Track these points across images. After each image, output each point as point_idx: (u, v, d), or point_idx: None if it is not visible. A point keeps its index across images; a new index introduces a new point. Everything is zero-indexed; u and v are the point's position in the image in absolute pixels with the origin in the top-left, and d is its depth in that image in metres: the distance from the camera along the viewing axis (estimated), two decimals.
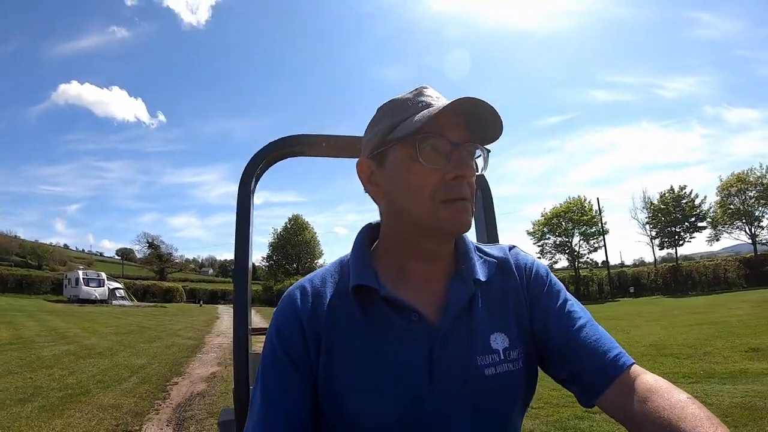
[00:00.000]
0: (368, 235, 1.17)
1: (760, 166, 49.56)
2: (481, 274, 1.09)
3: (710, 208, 52.53)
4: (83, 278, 46.28)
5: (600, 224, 54.45)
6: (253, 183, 2.00)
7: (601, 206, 55.30)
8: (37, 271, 72.15)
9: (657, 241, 54.94)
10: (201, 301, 63.87)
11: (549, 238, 56.97)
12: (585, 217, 55.68)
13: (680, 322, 17.27)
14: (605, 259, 53.62)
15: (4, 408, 7.15)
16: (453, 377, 0.98)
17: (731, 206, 50.48)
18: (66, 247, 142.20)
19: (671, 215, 52.48)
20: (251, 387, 1.49)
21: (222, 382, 9.87)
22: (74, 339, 15.79)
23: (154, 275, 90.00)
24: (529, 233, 58.29)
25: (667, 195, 53.43)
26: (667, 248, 54.98)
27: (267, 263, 75.21)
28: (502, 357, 1.03)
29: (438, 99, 1.05)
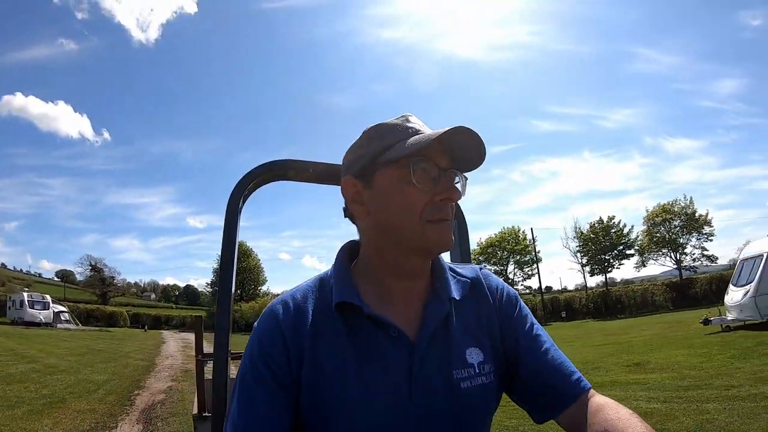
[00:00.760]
0: (349, 252, 1.18)
1: (684, 197, 53.50)
2: (456, 293, 1.12)
3: (637, 236, 56.23)
4: (28, 300, 45.53)
5: (534, 253, 57.20)
6: (240, 204, 1.99)
7: (534, 236, 58.27)
8: None
9: (588, 268, 58.01)
10: (145, 327, 63.71)
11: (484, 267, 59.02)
12: (518, 247, 58.93)
13: (590, 343, 19.37)
14: (539, 285, 55.97)
15: None
16: (432, 391, 1.02)
17: (657, 234, 53.86)
18: (3, 266, 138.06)
19: (601, 243, 55.89)
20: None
21: (178, 392, 11.36)
22: (34, 359, 16.69)
23: (96, 299, 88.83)
24: None
25: (596, 225, 56.86)
26: (597, 275, 58.20)
27: (211, 289, 75.48)
28: (477, 371, 1.08)
29: (423, 126, 1.09)
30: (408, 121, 1.10)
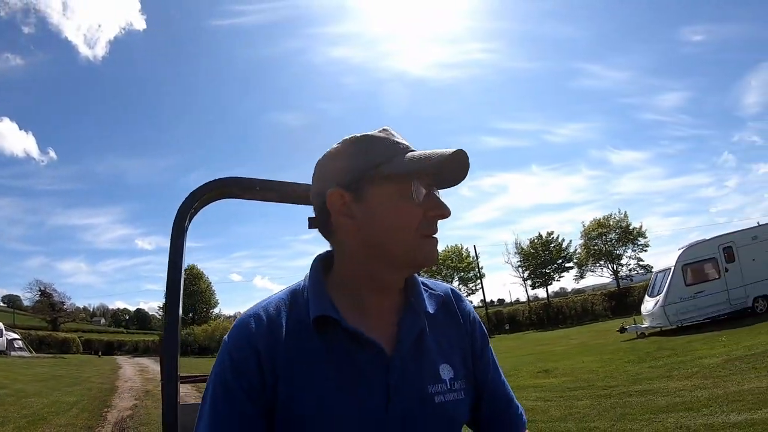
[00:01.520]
0: (322, 265, 1.15)
1: (619, 212, 57.03)
2: (430, 308, 1.13)
3: (575, 250, 59.53)
4: None
5: (477, 269, 59.51)
6: (187, 223, 1.93)
7: (477, 253, 60.50)
8: None
9: (529, 281, 60.74)
10: (99, 353, 63.38)
11: None
12: (462, 264, 61.36)
13: (519, 353, 21.37)
14: (483, 299, 57.93)
15: None
16: (408, 406, 1.02)
17: (595, 247, 56.81)
18: None
19: (541, 258, 58.72)
20: None
21: (143, 408, 12.89)
22: (2, 385, 17.47)
23: (47, 325, 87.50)
24: None
25: (536, 240, 59.73)
26: (539, 287, 61.16)
27: (162, 312, 74.54)
28: (449, 386, 1.09)
29: (405, 140, 1.12)
30: (392, 135, 1.10)
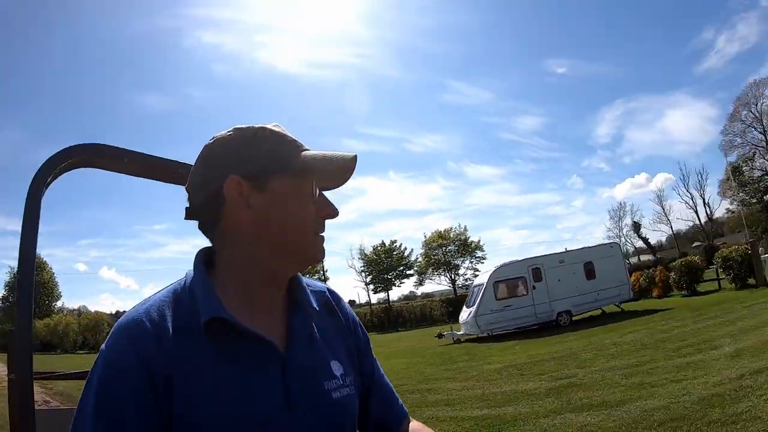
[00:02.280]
0: (205, 261, 1.08)
1: (459, 226, 61.18)
2: (315, 304, 1.13)
3: (417, 258, 62.75)
4: None
5: (321, 272, 61.01)
6: (42, 193, 1.73)
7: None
8: None
9: (372, 286, 62.93)
10: None
11: None
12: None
13: None
14: None
15: None
16: (308, 404, 1.01)
17: (435, 257, 60.34)
18: None
19: (383, 264, 61.17)
20: None
21: None
22: None
23: None
24: None
25: (379, 248, 62.22)
26: (381, 292, 63.52)
27: (2, 304, 69.61)
28: (341, 382, 1.09)
29: (295, 136, 1.11)
30: (285, 131, 1.11)
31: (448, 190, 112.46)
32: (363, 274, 62.71)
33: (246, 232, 1.05)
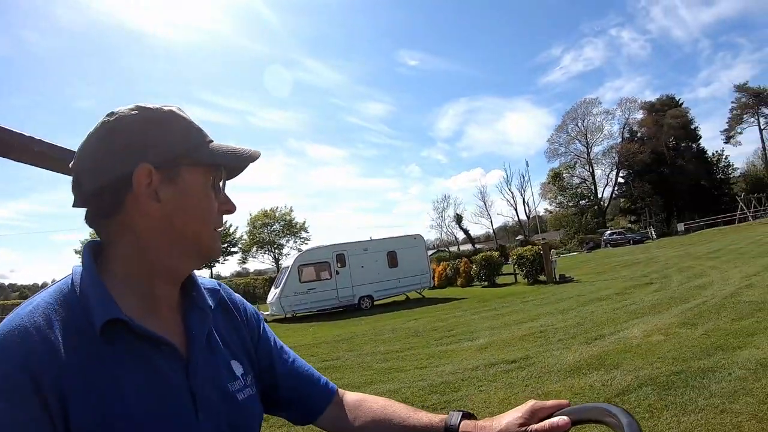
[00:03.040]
0: (94, 258, 0.96)
1: (285, 206, 61.00)
2: (210, 302, 1.07)
3: (241, 236, 62.32)
4: None
5: None
6: None
7: None
8: None
9: None
10: None
11: None
12: None
13: None
14: None
15: None
16: (216, 408, 0.96)
17: (260, 235, 59.88)
18: None
19: None
20: None
21: None
22: None
23: None
24: (77, 251, 59.93)
25: None
26: (204, 268, 61.83)
27: None
28: (243, 382, 1.05)
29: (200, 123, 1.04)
30: (190, 119, 1.02)
31: (289, 168, 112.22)
32: None
33: (150, 225, 0.95)
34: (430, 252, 68.37)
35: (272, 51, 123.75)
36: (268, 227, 61.01)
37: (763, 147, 66.49)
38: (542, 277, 22.06)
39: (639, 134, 71.37)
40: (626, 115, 72.59)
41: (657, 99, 72.83)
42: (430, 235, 76.83)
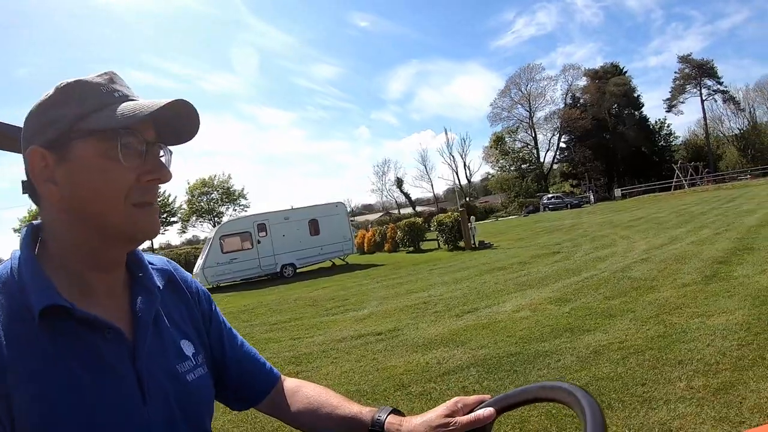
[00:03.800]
0: (33, 241, 0.93)
1: (223, 174, 60.37)
2: (159, 283, 1.03)
3: (180, 205, 61.64)
4: None
5: None
6: None
7: None
8: None
9: None
10: None
11: None
12: None
13: None
14: None
15: None
16: (164, 391, 0.92)
17: (199, 204, 59.32)
18: None
19: None
20: None
21: None
22: None
23: None
24: (16, 230, 58.38)
25: None
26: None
27: None
28: (194, 362, 1.02)
29: (130, 90, 0.94)
30: (113, 81, 0.92)
31: (239, 132, 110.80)
32: None
33: (55, 211, 0.90)
34: (377, 215, 69.05)
35: (220, 12, 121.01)
36: (207, 196, 60.79)
37: (704, 117, 68.52)
38: (462, 243, 22.43)
39: (582, 101, 72.72)
40: (569, 82, 74.12)
41: (600, 67, 74.46)
42: (371, 199, 77.42)
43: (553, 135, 74.36)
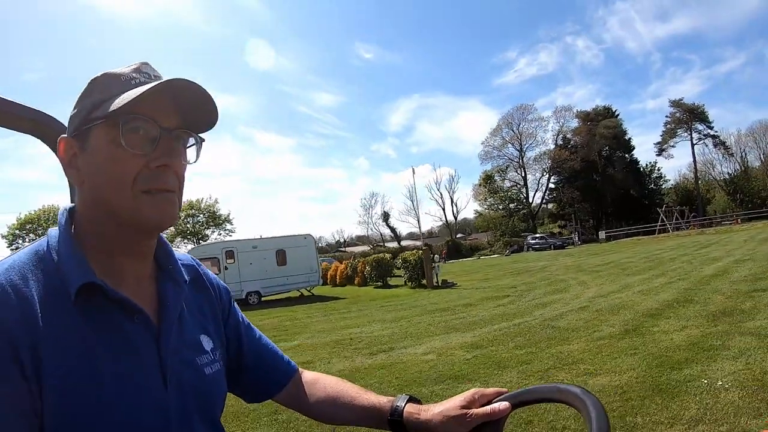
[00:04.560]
0: (71, 223, 0.95)
1: (210, 197, 61.00)
2: (186, 277, 1.06)
3: None
4: None
5: None
6: None
7: None
8: None
9: None
10: None
11: (24, 242, 57.73)
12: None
13: None
14: None
15: None
16: (183, 380, 0.94)
17: (185, 226, 59.62)
18: None
19: None
20: None
21: None
22: None
23: None
24: (5, 236, 58.32)
25: None
26: None
27: None
28: (212, 357, 1.04)
29: (155, 78, 0.94)
30: (139, 70, 0.93)
31: (237, 154, 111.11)
32: None
33: (83, 195, 0.94)
34: (363, 248, 69.16)
35: (226, 33, 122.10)
36: (193, 218, 60.93)
37: (694, 161, 69.24)
38: (425, 281, 22.59)
39: (572, 142, 73.13)
40: (561, 123, 74.76)
41: (593, 109, 75.14)
42: (358, 231, 77.64)
43: (542, 175, 74.90)
